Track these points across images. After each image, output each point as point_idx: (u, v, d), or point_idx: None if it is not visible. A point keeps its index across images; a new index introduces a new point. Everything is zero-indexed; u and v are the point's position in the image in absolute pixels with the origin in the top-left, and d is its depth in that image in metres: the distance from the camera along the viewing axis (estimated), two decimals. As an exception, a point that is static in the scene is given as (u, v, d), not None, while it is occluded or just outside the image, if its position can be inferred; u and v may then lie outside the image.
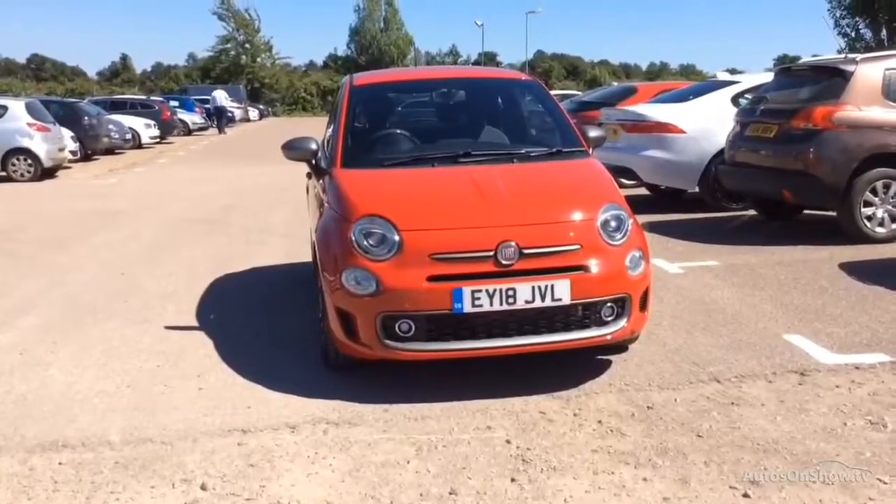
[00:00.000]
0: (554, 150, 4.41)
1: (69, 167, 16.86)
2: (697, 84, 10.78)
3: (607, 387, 3.70)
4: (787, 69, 7.82)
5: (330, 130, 4.90)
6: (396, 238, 3.52)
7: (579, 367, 3.89)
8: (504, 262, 3.45)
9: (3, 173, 14.74)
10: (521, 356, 3.67)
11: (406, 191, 3.92)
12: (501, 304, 3.42)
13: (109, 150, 20.55)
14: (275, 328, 4.75)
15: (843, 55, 7.13)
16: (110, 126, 20.50)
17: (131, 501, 2.79)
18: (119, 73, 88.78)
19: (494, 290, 3.41)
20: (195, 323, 4.89)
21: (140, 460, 3.07)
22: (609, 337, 3.65)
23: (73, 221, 9.46)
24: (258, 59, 62.46)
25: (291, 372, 3.96)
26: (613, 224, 3.70)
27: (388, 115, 5.01)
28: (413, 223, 3.57)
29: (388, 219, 3.58)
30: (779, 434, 3.16)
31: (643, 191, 9.93)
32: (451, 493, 2.77)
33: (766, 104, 7.33)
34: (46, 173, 15.11)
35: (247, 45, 62.25)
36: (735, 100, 8.64)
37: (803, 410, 3.38)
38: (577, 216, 3.69)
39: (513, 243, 3.46)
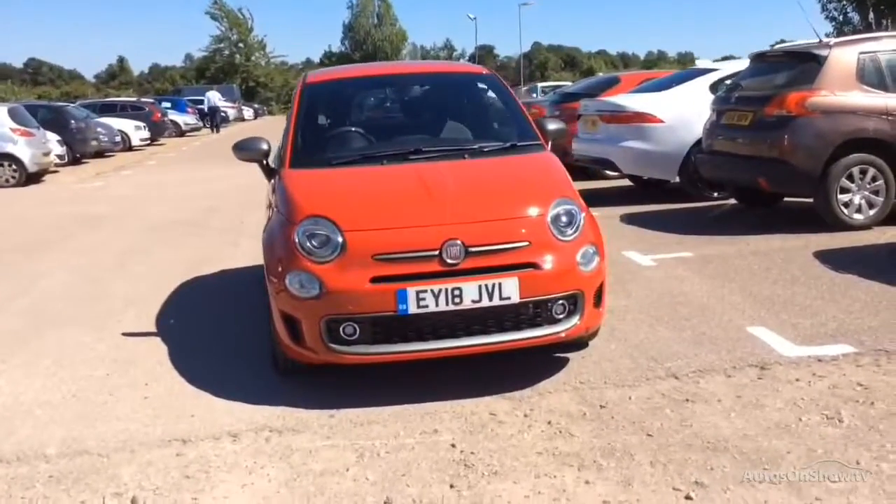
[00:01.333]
0: (508, 144, 4.31)
1: (56, 171, 16.78)
2: (678, 73, 10.65)
3: (562, 385, 3.62)
4: (762, 55, 7.69)
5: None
6: (340, 239, 3.43)
7: (537, 365, 3.81)
8: (449, 261, 3.36)
9: (-13, 179, 14.69)
10: (476, 356, 3.58)
11: (352, 190, 3.81)
12: (448, 304, 3.33)
13: (99, 154, 20.47)
14: (233, 333, 4.66)
15: (817, 40, 6.96)
16: (99, 129, 20.40)
17: (58, 517, 2.71)
18: (116, 75, 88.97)
19: (440, 290, 3.32)
20: (153, 329, 4.80)
21: (74, 473, 2.99)
22: (563, 335, 3.55)
23: (52, 226, 9.38)
24: (252, 58, 62.46)
25: (242, 378, 3.87)
26: (564, 219, 3.61)
27: (340, 113, 4.90)
28: (356, 223, 3.48)
29: (331, 219, 3.49)
30: (731, 431, 3.07)
31: (627, 182, 9.84)
32: (385, 503, 2.69)
33: (740, 91, 7.22)
34: (32, 178, 15.02)
35: (240, 45, 62.28)
36: (714, 88, 8.52)
37: (759, 406, 3.29)
38: (527, 212, 3.60)
39: (458, 242, 3.37)
